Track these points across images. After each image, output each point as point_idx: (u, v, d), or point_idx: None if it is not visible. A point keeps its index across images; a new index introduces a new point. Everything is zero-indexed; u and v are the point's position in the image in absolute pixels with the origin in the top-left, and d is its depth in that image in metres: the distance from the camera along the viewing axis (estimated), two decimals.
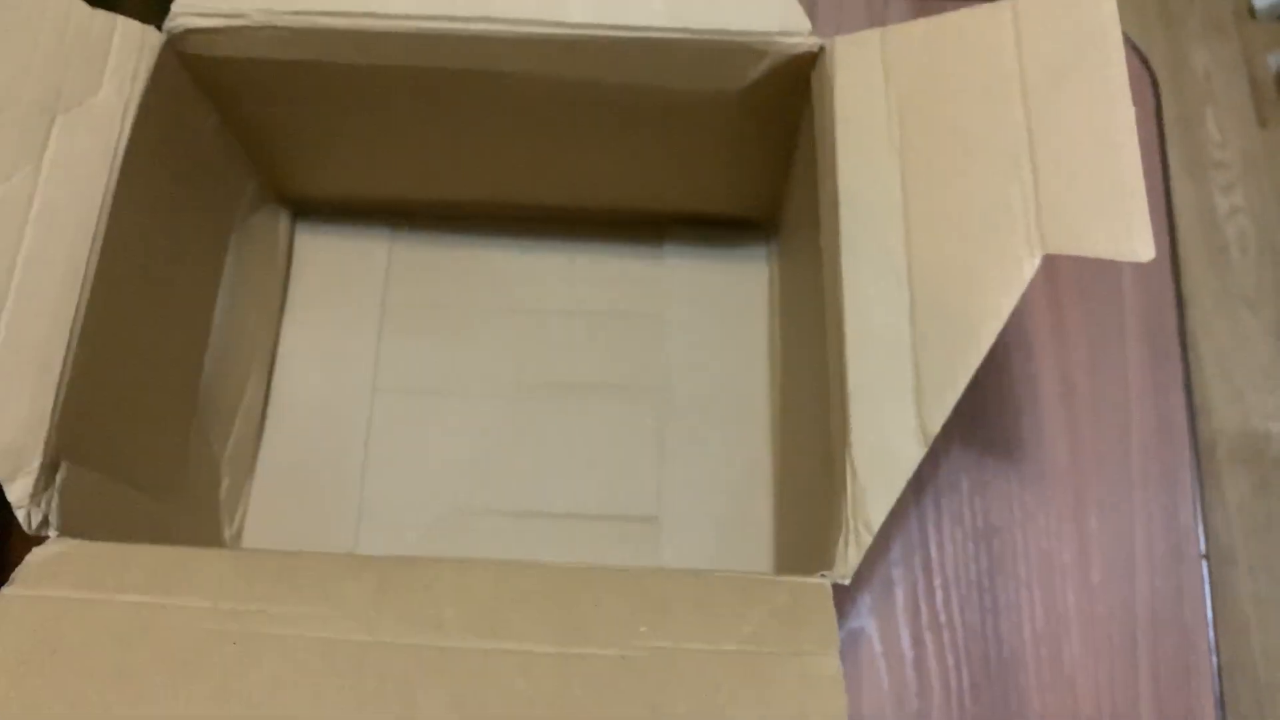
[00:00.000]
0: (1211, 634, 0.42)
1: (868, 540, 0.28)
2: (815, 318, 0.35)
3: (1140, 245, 0.28)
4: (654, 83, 0.37)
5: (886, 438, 0.29)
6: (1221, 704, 0.41)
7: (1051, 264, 0.48)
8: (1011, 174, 0.30)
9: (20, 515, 0.30)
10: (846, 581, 0.29)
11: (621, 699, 0.26)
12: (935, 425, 0.28)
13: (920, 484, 0.44)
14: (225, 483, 0.43)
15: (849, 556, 0.28)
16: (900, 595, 0.43)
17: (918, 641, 0.42)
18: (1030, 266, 0.28)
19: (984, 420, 0.45)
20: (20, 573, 0.29)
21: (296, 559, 0.30)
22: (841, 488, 0.29)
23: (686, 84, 0.37)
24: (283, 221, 0.48)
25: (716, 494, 0.45)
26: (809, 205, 0.37)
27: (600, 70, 0.37)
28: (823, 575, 0.29)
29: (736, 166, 0.44)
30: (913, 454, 0.29)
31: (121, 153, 0.33)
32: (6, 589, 0.28)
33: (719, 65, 0.36)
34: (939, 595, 0.43)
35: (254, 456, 0.45)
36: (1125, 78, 0.30)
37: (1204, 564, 0.43)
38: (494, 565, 0.30)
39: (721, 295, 0.48)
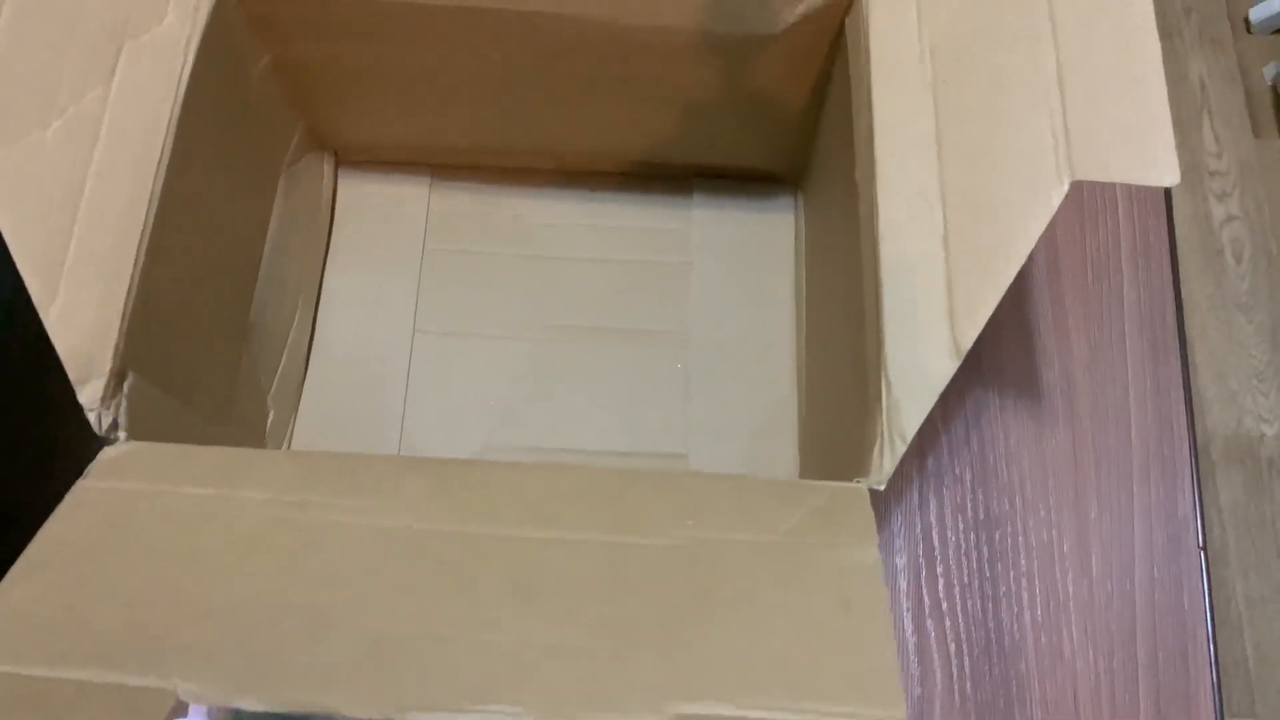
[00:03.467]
0: (1209, 622, 0.43)
1: (902, 448, 0.29)
2: (845, 257, 0.36)
3: (1165, 172, 0.29)
4: (690, 24, 0.38)
5: (920, 354, 0.30)
6: (1219, 690, 0.42)
7: (1054, 261, 0.49)
8: (1042, 107, 0.31)
9: (91, 418, 0.31)
10: (881, 486, 0.29)
11: (669, 583, 0.27)
12: (967, 341, 0.29)
13: (924, 475, 0.45)
14: (271, 416, 0.45)
15: (884, 464, 0.29)
16: (904, 583, 0.43)
17: (920, 628, 0.43)
18: (1059, 193, 0.29)
19: (987, 413, 0.46)
20: (93, 468, 0.30)
21: (355, 459, 0.31)
22: (876, 402, 0.30)
23: (722, 26, 0.38)
24: (327, 169, 0.50)
25: (742, 434, 0.46)
26: (840, 151, 0.38)
27: (637, 12, 0.38)
28: (858, 481, 0.30)
29: (767, 117, 0.45)
30: (946, 368, 0.29)
31: (185, 82, 0.34)
32: (81, 482, 0.29)
33: (755, 7, 0.37)
34: (941, 583, 0.43)
35: (299, 392, 0.47)
36: (1152, 16, 0.31)
37: (1202, 555, 0.44)
38: (545, 467, 0.31)
39: (748, 247, 0.50)
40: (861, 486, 0.30)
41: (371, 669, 0.25)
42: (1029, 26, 0.32)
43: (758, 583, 0.27)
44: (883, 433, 0.30)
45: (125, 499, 0.29)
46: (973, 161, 0.31)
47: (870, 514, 0.29)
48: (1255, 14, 1.25)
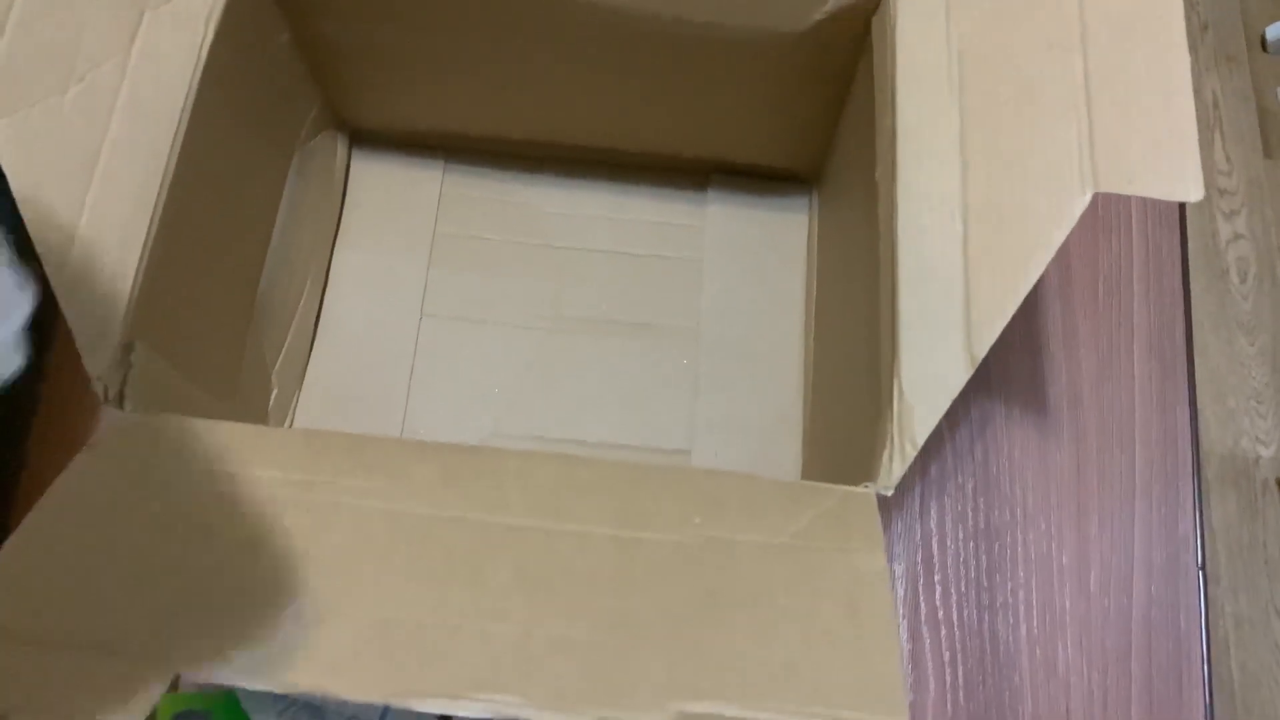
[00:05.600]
0: (1204, 643, 0.43)
1: (911, 454, 0.29)
2: (861, 259, 0.36)
3: (1190, 187, 0.29)
4: (716, 19, 0.38)
5: (934, 361, 0.30)
6: (1211, 712, 0.42)
7: (1066, 274, 0.49)
8: (1068, 116, 0.31)
9: (98, 387, 0.30)
10: (889, 492, 0.29)
11: (677, 581, 0.27)
12: (982, 350, 0.29)
13: (926, 482, 0.45)
14: (275, 393, 0.44)
15: (893, 469, 0.29)
16: (901, 590, 0.43)
17: (915, 636, 0.43)
18: (1081, 204, 0.29)
19: (992, 423, 0.46)
20: (98, 438, 0.30)
21: (364, 440, 0.31)
22: (888, 406, 0.30)
23: (748, 21, 0.38)
24: (341, 148, 0.50)
25: (748, 432, 0.46)
26: (859, 152, 0.37)
27: (661, 2, 0.37)
28: (867, 486, 0.30)
29: (786, 115, 0.45)
30: (959, 377, 0.29)
31: (205, 54, 0.34)
32: (85, 451, 0.29)
33: (782, 3, 0.37)
34: (938, 591, 0.43)
35: (303, 371, 0.47)
36: (1184, 32, 0.31)
37: (1200, 575, 0.44)
38: (555, 458, 0.31)
39: (761, 245, 0.49)
40: (870, 491, 0.30)
41: (375, 654, 0.25)
42: (1059, 35, 0.32)
43: (766, 584, 0.27)
44: (893, 438, 0.30)
45: (130, 471, 0.29)
46: (996, 168, 0.31)
47: (878, 519, 0.29)
48: (1271, 32, 1.25)
